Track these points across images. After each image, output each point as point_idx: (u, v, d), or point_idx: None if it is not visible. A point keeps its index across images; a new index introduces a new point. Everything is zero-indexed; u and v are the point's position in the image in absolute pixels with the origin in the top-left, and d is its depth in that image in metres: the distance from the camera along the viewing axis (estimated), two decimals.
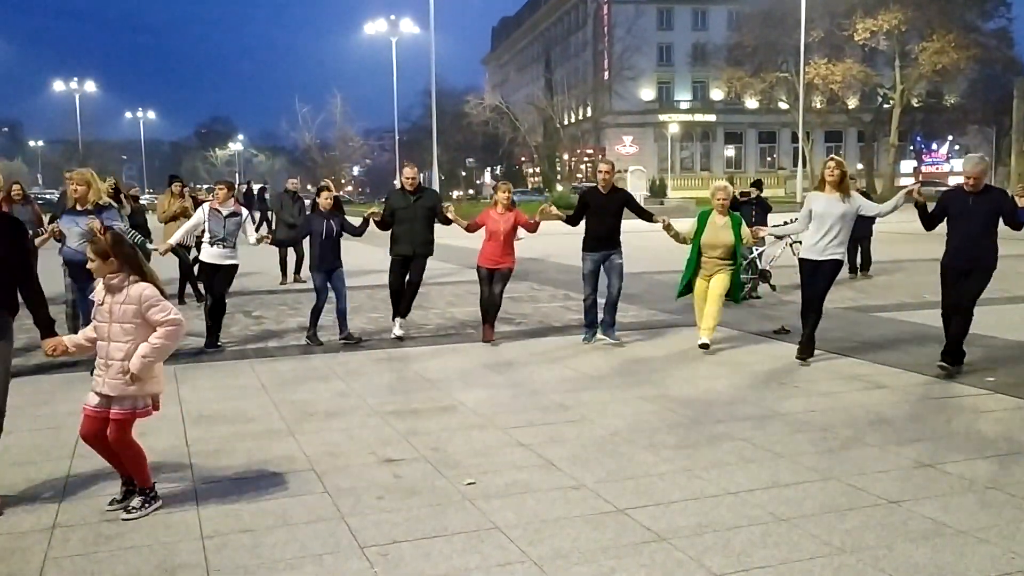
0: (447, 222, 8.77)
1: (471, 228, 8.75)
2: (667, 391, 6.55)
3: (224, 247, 8.44)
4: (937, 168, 70.60)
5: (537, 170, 72.58)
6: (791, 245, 11.53)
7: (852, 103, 61.82)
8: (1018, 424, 5.56)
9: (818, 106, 60.07)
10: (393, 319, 8.91)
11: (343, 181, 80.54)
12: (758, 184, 12.79)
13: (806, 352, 7.44)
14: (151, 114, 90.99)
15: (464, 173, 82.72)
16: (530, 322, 9.65)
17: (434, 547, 3.77)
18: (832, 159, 7.66)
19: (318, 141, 76.16)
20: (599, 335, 8.48)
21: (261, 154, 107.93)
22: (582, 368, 7.44)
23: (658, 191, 57.10)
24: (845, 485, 4.45)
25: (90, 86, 75.54)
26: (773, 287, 11.76)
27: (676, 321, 9.48)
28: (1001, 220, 6.75)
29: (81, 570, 3.59)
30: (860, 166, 61.24)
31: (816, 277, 7.45)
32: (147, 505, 4.22)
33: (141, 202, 13.77)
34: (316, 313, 8.62)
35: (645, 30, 68.01)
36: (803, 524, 3.95)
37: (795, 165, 46.94)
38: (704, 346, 7.91)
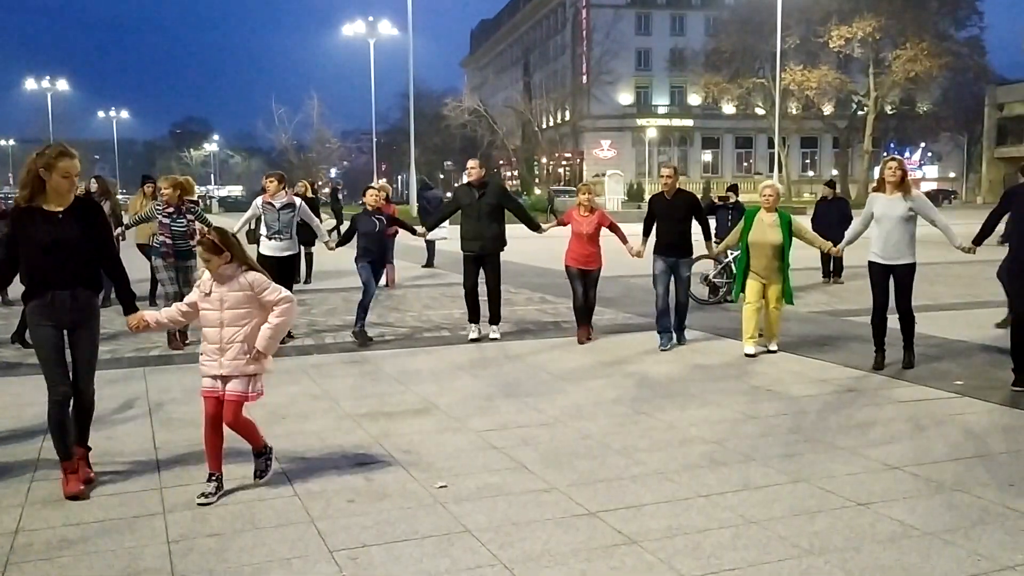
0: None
1: (561, 223, 9.02)
2: (640, 394, 6.57)
3: (281, 239, 8.64)
4: (910, 174, 71.40)
5: (515, 173, 72.64)
6: None
7: (827, 109, 62.44)
8: (985, 427, 5.62)
9: (794, 112, 60.66)
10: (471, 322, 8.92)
11: (319, 183, 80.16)
12: (734, 189, 12.89)
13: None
14: (124, 113, 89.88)
15: (442, 175, 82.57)
16: (506, 325, 9.62)
17: (404, 550, 3.74)
18: (892, 158, 7.41)
19: (295, 142, 75.73)
20: (673, 340, 8.45)
21: (237, 155, 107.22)
22: (557, 371, 7.44)
23: (635, 195, 57.40)
24: (815, 487, 4.47)
25: (62, 84, 74.58)
26: None
27: (651, 325, 9.51)
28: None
29: (44, 574, 3.53)
30: (835, 172, 61.83)
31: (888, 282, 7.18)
32: (269, 462, 4.68)
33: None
34: (364, 308, 8.72)
35: (623, 34, 68.34)
36: (772, 526, 3.96)
37: (771, 170, 47.28)
38: (753, 354, 7.84)
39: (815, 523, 4.00)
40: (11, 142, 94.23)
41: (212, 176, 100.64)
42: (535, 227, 9.20)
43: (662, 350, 8.25)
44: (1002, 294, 7.88)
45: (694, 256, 8.62)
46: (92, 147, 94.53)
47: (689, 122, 72.48)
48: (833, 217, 12.91)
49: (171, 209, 8.44)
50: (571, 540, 3.84)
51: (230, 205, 62.08)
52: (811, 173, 71.83)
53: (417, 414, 6.03)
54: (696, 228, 8.48)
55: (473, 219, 8.70)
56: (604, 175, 49.40)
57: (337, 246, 9.02)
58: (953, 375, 6.94)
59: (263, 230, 8.71)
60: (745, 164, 73.09)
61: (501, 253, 8.89)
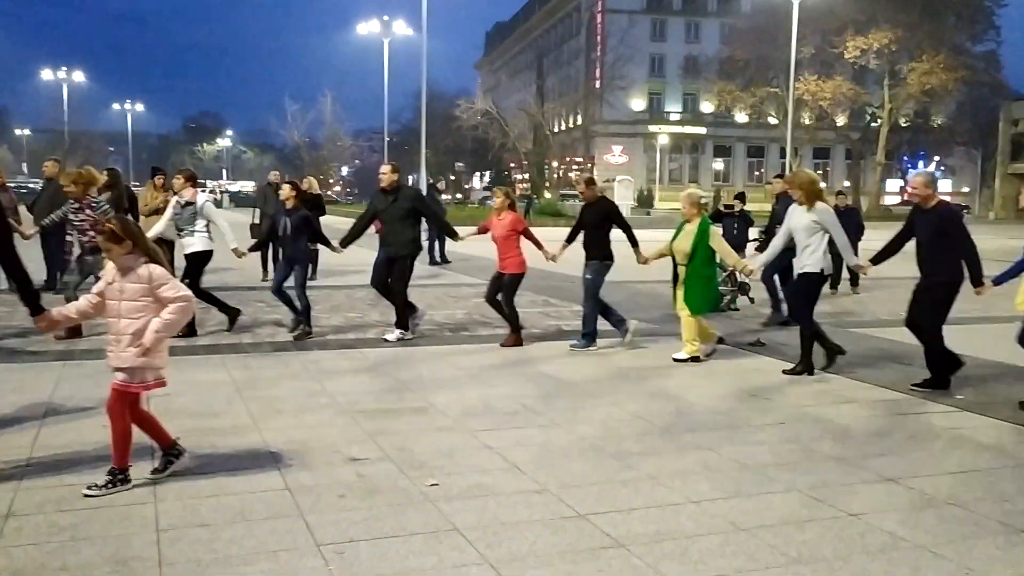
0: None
1: (481, 229, 9.02)
2: (639, 399, 6.56)
3: (182, 236, 8.70)
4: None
5: (526, 176, 72.66)
6: None
7: (841, 120, 62.21)
8: (983, 442, 5.59)
9: (807, 122, 60.44)
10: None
11: (331, 180, 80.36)
12: (741, 197, 12.85)
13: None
14: (139, 106, 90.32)
15: (453, 177, 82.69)
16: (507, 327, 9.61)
17: (391, 547, 3.75)
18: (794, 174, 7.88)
19: (307, 140, 76.03)
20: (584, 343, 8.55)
21: (250, 150, 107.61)
22: (556, 374, 7.43)
23: (645, 201, 57.35)
24: (807, 497, 4.46)
25: (78, 76, 75.02)
26: (752, 300, 11.80)
27: (655, 331, 9.49)
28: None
29: (32, 559, 3.55)
30: (847, 183, 61.61)
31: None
32: (112, 486, 4.29)
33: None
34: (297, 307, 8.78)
35: (638, 40, 68.34)
36: (761, 534, 3.95)
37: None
38: (680, 360, 7.94)
39: (805, 532, 3.99)
40: (27, 131, 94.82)
41: (224, 171, 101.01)
42: (451, 234, 9.19)
43: (572, 348, 8.42)
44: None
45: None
46: (106, 139, 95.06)
47: (701, 130, 72.40)
48: (848, 227, 12.84)
49: (76, 204, 8.32)
50: (558, 541, 3.84)
51: (241, 200, 62.27)
52: (823, 184, 71.54)
53: (413, 412, 6.04)
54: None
55: (387, 224, 8.70)
56: (614, 180, 49.36)
57: (251, 250, 9.25)
58: (953, 390, 6.89)
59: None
60: (756, 173, 72.94)
61: (414, 258, 8.85)
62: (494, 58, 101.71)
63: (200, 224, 8.67)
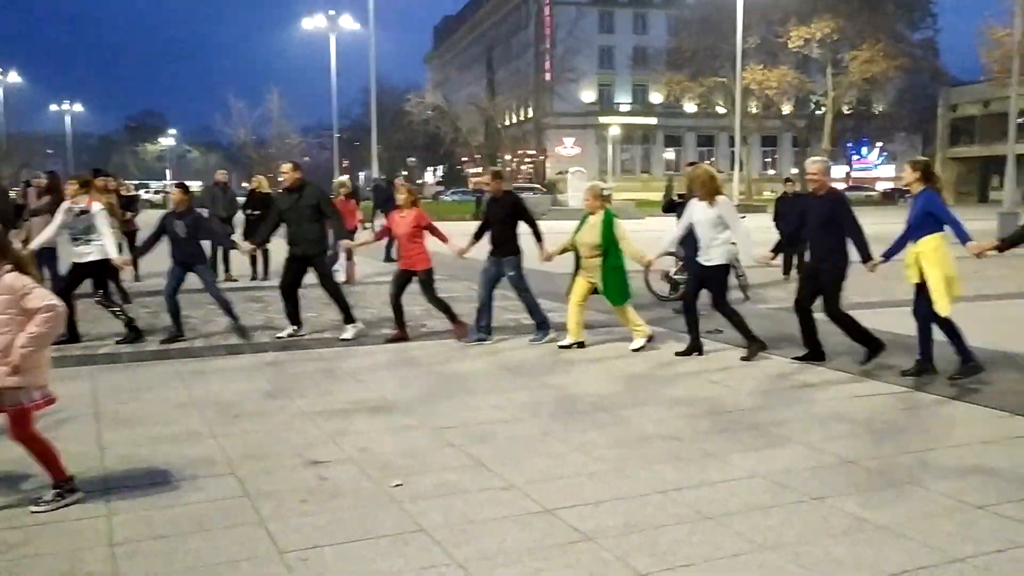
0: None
1: (381, 233, 9.00)
2: (602, 391, 6.55)
3: (77, 244, 8.30)
4: (867, 173, 72.65)
5: (479, 170, 72.49)
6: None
7: (787, 109, 63.18)
8: (938, 420, 5.69)
9: (754, 111, 61.23)
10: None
11: (280, 179, 79.23)
12: None
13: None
14: (78, 106, 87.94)
15: (405, 172, 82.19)
16: (466, 321, 9.55)
17: (357, 551, 3.67)
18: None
19: (254, 137, 74.76)
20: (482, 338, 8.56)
21: (195, 150, 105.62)
22: (517, 367, 7.40)
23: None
24: (770, 482, 4.48)
25: (13, 76, 72.82)
26: None
27: (611, 321, 9.50)
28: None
29: None
30: (795, 170, 62.60)
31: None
32: (60, 499, 4.10)
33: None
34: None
35: (587, 32, 68.59)
36: (728, 521, 3.96)
37: (732, 168, 47.76)
38: (565, 346, 8.08)
39: (770, 517, 4.01)
40: None
41: (168, 171, 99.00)
42: (340, 233, 8.99)
43: (469, 343, 8.40)
44: None
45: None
46: (45, 141, 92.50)
47: (652, 120, 72.97)
48: (796, 213, 13.00)
49: None
50: (527, 538, 3.80)
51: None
52: (771, 172, 72.70)
53: (374, 412, 5.95)
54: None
55: (294, 223, 8.60)
56: (567, 172, 49.48)
57: (136, 256, 9.11)
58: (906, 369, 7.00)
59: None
60: (707, 162, 73.62)
61: (325, 254, 8.81)
62: (443, 52, 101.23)
63: (97, 233, 8.28)
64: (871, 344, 7.25)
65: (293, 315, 8.83)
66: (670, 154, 74.44)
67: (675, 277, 11.57)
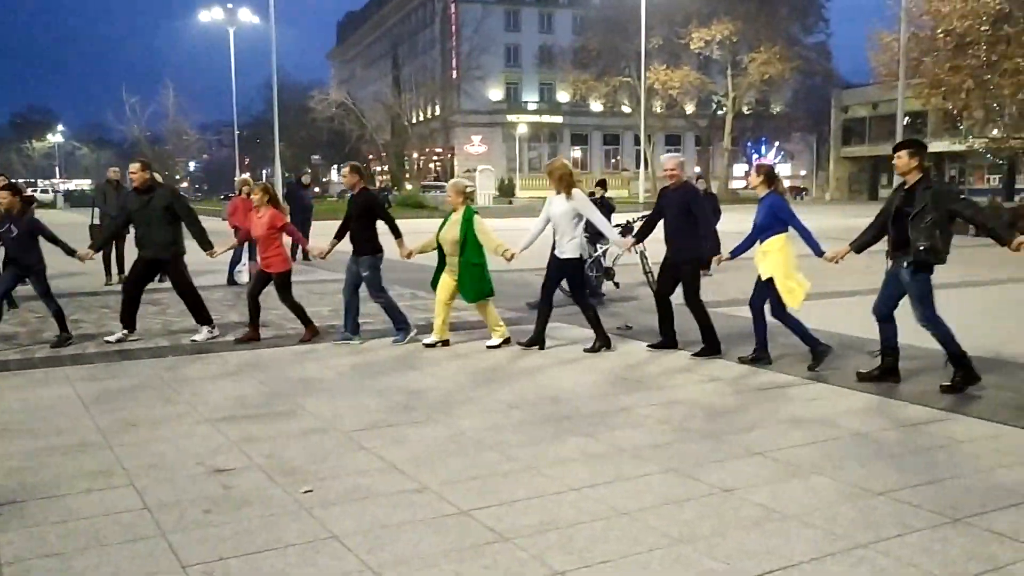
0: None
1: (242, 238, 8.80)
2: (514, 389, 6.53)
3: None
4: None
5: (386, 168, 71.80)
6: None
7: (690, 108, 64.79)
8: (838, 410, 5.88)
9: (659, 110, 62.59)
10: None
11: (177, 177, 76.72)
12: (602, 184, 13.10)
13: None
14: None
15: (309, 170, 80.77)
16: (376, 321, 9.41)
17: (265, 561, 3.54)
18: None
19: (148, 134, 72.14)
20: (352, 338, 8.40)
21: (85, 146, 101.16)
22: (428, 368, 7.32)
23: (506, 191, 57.83)
24: (683, 476, 4.54)
25: None
26: (617, 285, 12.05)
27: (523, 319, 9.52)
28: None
29: None
30: (698, 169, 64.28)
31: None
32: None
33: None
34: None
35: (493, 30, 68.71)
36: (643, 516, 3.99)
37: (638, 167, 48.68)
38: (429, 345, 8.07)
39: (684, 511, 4.05)
40: None
41: (58, 169, 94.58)
42: (204, 244, 8.63)
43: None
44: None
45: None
46: None
47: (558, 119, 73.64)
48: (706, 211, 13.38)
49: None
50: (442, 541, 3.74)
51: (77, 200, 58.25)
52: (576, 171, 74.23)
53: (281, 416, 5.78)
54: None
55: (143, 225, 8.34)
56: (475, 171, 49.50)
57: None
58: (808, 362, 7.23)
59: None
60: (613, 161, 74.91)
61: (180, 258, 8.48)
62: (347, 48, 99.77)
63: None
64: (711, 341, 7.65)
65: (128, 319, 8.42)
66: (577, 152, 75.27)
67: (587, 274, 11.68)
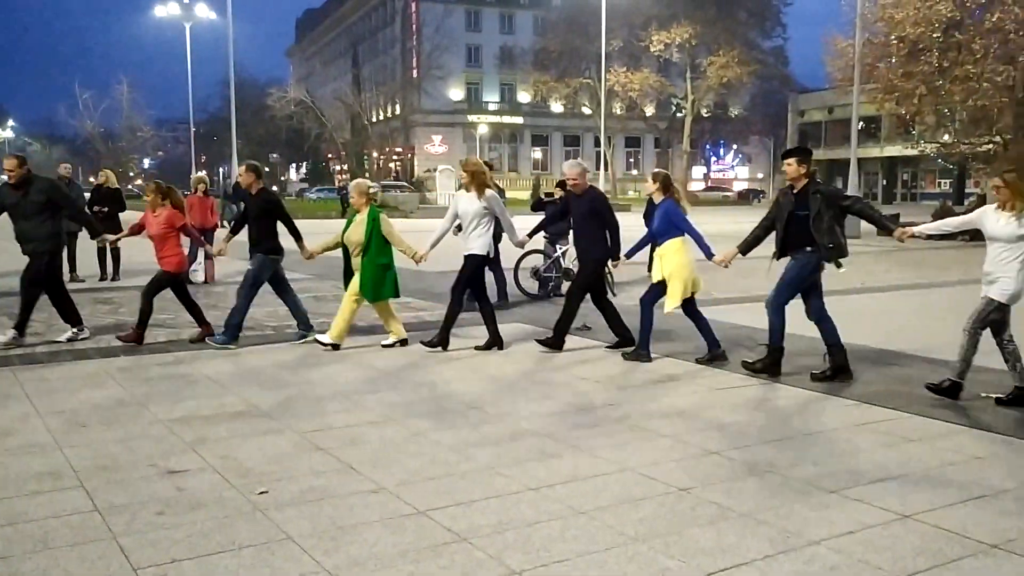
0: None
1: (135, 229, 8.52)
2: (471, 390, 6.52)
3: None
4: (723, 174, 76.11)
5: (345, 167, 71.23)
6: None
7: (649, 111, 65.31)
8: (793, 410, 5.98)
9: (618, 112, 62.98)
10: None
11: (131, 174, 75.38)
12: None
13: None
14: None
15: (268, 168, 79.85)
16: (331, 321, 9.33)
17: (219, 563, 3.49)
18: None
19: (102, 130, 70.74)
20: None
21: (36, 142, 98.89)
22: (385, 368, 7.28)
23: None
24: (639, 475, 4.57)
25: None
26: None
27: (478, 320, 9.50)
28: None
29: None
30: (657, 171, 64.79)
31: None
32: None
33: None
34: None
35: (454, 30, 68.59)
36: (600, 516, 4.01)
37: (597, 168, 48.92)
38: (323, 344, 7.93)
39: (640, 510, 4.08)
40: None
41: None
42: (93, 232, 8.57)
43: (211, 343, 8.03)
44: None
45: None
46: None
47: (519, 119, 73.73)
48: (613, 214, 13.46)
49: None
50: (399, 541, 3.72)
51: None
52: (635, 172, 74.93)
53: (236, 417, 5.70)
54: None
55: (21, 220, 8.09)
56: (435, 170, 49.36)
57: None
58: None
59: None
60: (579, 160, 75.17)
61: (55, 255, 8.26)
62: (306, 45, 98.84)
63: None
64: (623, 335, 7.92)
65: (68, 316, 8.27)
66: (537, 153, 75.49)
67: (544, 275, 11.72)
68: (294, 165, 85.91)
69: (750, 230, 7.10)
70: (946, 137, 29.56)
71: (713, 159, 76.74)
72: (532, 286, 11.57)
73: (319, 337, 8.03)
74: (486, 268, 8.29)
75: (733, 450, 5.01)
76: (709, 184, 75.30)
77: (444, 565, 3.50)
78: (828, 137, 62.30)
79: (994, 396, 6.06)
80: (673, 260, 7.35)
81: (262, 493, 4.27)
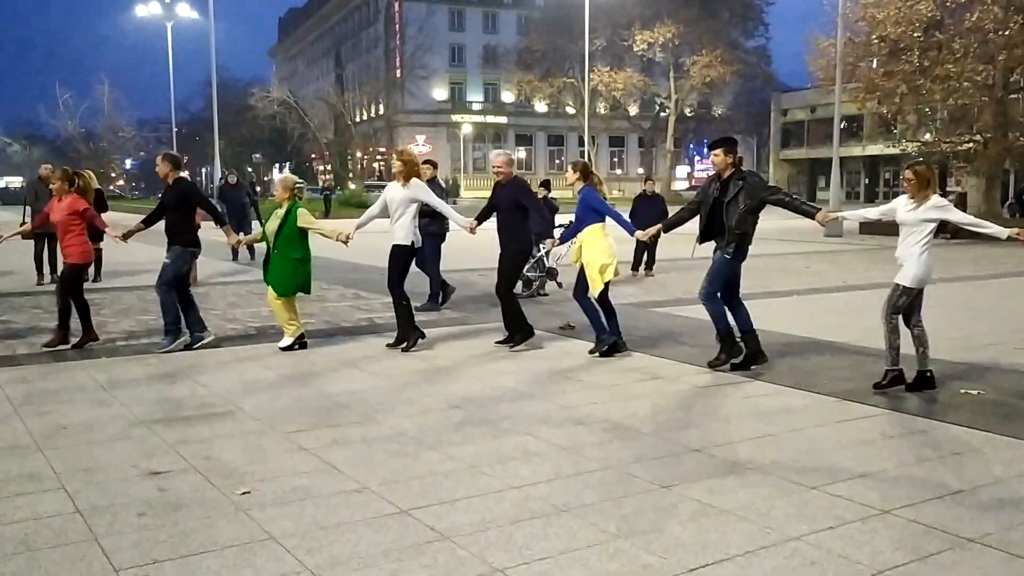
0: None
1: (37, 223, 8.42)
2: (455, 389, 6.53)
3: None
4: (707, 173, 76.50)
5: (328, 167, 71.04)
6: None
7: (633, 110, 65.51)
8: (774, 407, 6.02)
9: (602, 112, 63.13)
10: None
11: (113, 175, 74.85)
12: (546, 184, 13.17)
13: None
14: None
15: (250, 168, 79.47)
16: (317, 322, 9.33)
17: (201, 564, 3.48)
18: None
19: (83, 130, 70.18)
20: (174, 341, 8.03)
21: (16, 143, 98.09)
22: (369, 368, 7.27)
23: (451, 191, 57.72)
24: (622, 473, 4.60)
25: None
26: (560, 284, 12.10)
27: (465, 319, 9.53)
28: None
29: None
30: (641, 170, 65.02)
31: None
32: None
33: None
34: None
35: (437, 30, 68.58)
36: (583, 513, 4.03)
37: None
38: (281, 346, 7.90)
39: (622, 507, 4.10)
40: None
41: None
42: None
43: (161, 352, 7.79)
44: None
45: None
46: None
47: (503, 119, 73.76)
48: (654, 211, 13.58)
49: None
50: (382, 540, 3.73)
51: (9, 197, 56.42)
52: (619, 171, 75.12)
53: (219, 418, 5.68)
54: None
55: None
56: None
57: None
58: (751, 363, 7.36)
59: None
60: (557, 161, 75.28)
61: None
62: (289, 45, 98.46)
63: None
64: (521, 329, 8.00)
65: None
66: (521, 153, 75.47)
67: (527, 274, 11.73)
68: (277, 165, 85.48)
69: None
70: (927, 136, 29.78)
71: (697, 158, 76.92)
72: (516, 287, 11.57)
73: (280, 344, 7.95)
74: (412, 262, 8.27)
75: (714, 447, 5.04)
76: (693, 183, 75.58)
77: (427, 564, 3.51)
78: (811, 136, 62.66)
79: (965, 391, 6.15)
80: (593, 246, 7.52)
81: (244, 493, 4.27)
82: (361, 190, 52.09)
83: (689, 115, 65.08)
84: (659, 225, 7.55)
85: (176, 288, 8.06)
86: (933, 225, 6.21)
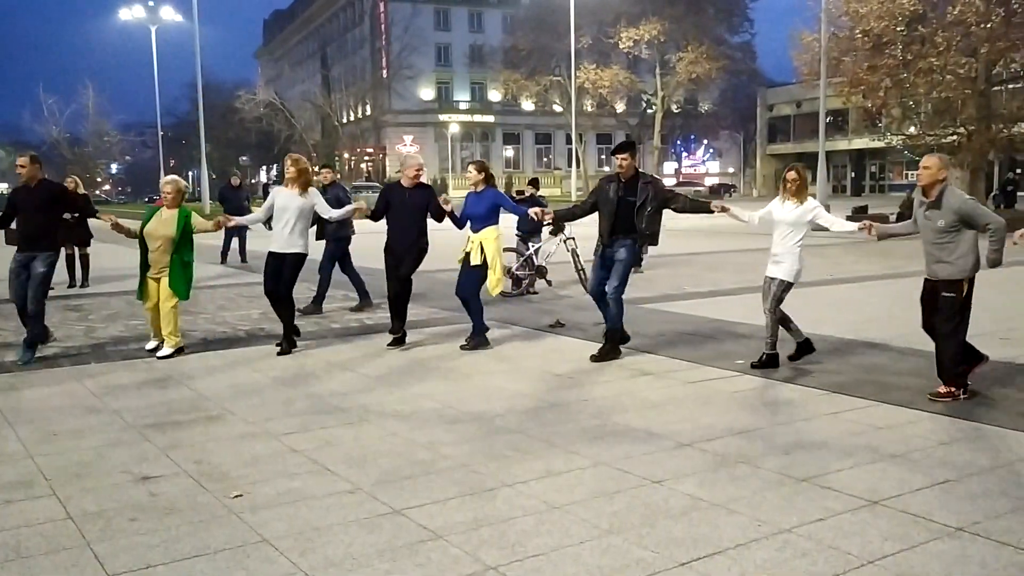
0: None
1: None
2: (447, 388, 6.54)
3: None
4: (695, 169, 76.63)
5: (316, 168, 70.81)
6: (565, 242, 11.97)
7: (620, 108, 65.57)
8: (762, 400, 6.06)
9: (589, 109, 63.15)
10: None
11: (99, 179, 74.47)
12: (534, 183, 13.18)
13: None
14: None
15: (237, 171, 79.23)
16: (308, 324, 9.32)
17: (194, 568, 3.49)
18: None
19: (67, 135, 69.74)
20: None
21: (1, 149, 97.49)
22: (361, 368, 7.27)
23: (440, 190, 57.72)
24: (613, 469, 4.62)
25: None
26: (549, 282, 12.14)
27: (457, 319, 9.52)
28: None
29: None
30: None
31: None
32: None
33: None
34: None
35: (423, 29, 68.46)
36: (574, 510, 4.05)
37: (570, 165, 49.08)
38: (160, 355, 7.67)
39: (614, 503, 4.13)
40: None
41: None
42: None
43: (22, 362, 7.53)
44: None
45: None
46: None
47: (490, 118, 73.71)
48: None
49: None
50: (375, 540, 3.74)
51: None
52: (607, 168, 75.14)
53: (210, 421, 5.68)
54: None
55: None
56: None
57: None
58: (734, 355, 7.42)
59: None
60: (545, 159, 75.37)
61: None
62: (274, 47, 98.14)
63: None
64: (399, 328, 8.20)
65: None
66: (509, 151, 75.51)
67: (517, 273, 11.76)
68: (264, 167, 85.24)
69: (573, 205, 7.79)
70: (912, 129, 29.90)
71: (684, 154, 77.16)
72: (506, 284, 11.59)
73: (159, 353, 7.71)
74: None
75: (704, 442, 5.07)
76: (680, 180, 75.78)
77: (420, 563, 3.52)
78: (797, 130, 62.92)
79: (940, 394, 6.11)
80: (493, 246, 7.96)
81: (237, 496, 4.27)
82: (349, 191, 52.04)
83: (676, 111, 65.19)
84: (553, 213, 8.16)
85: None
86: (809, 226, 6.82)
